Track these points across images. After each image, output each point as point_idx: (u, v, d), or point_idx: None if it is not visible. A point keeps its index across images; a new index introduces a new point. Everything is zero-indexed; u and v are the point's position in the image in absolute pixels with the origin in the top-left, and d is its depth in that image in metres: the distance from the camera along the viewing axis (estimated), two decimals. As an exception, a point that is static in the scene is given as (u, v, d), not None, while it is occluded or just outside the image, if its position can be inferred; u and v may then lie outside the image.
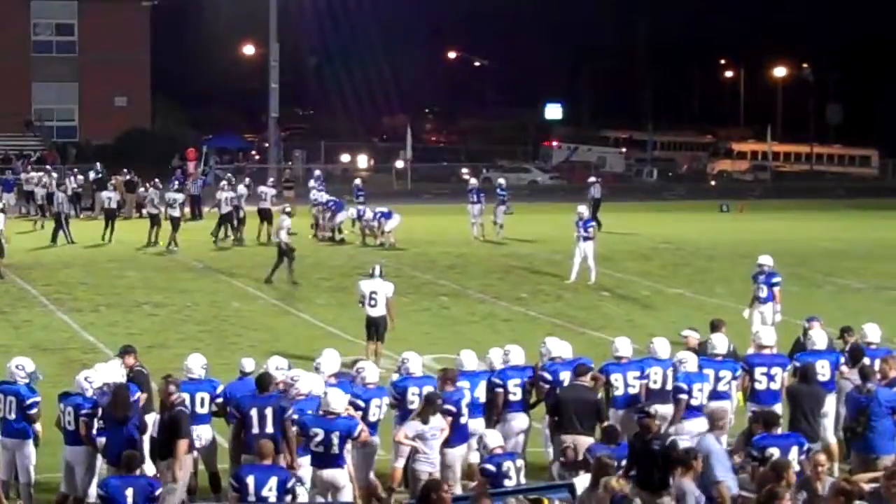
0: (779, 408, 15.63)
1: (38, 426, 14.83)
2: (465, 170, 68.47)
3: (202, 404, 15.04)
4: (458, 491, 14.12)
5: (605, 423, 14.83)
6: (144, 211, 43.92)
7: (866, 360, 16.15)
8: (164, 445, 14.05)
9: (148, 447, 14.28)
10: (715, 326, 17.70)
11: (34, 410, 14.69)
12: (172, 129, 74.02)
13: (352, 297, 25.52)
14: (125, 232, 41.16)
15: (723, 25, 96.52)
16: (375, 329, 22.01)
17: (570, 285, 31.87)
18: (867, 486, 12.13)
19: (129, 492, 12.42)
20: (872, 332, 17.48)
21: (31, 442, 14.70)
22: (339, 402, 13.92)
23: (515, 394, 15.67)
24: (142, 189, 46.14)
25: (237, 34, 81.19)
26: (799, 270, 33.92)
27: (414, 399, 15.15)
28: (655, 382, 16.04)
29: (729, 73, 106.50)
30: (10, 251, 33.77)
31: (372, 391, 14.93)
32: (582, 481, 12.70)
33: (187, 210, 43.78)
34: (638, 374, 16.07)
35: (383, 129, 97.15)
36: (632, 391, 16.00)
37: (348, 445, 13.92)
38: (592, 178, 49.84)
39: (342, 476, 13.86)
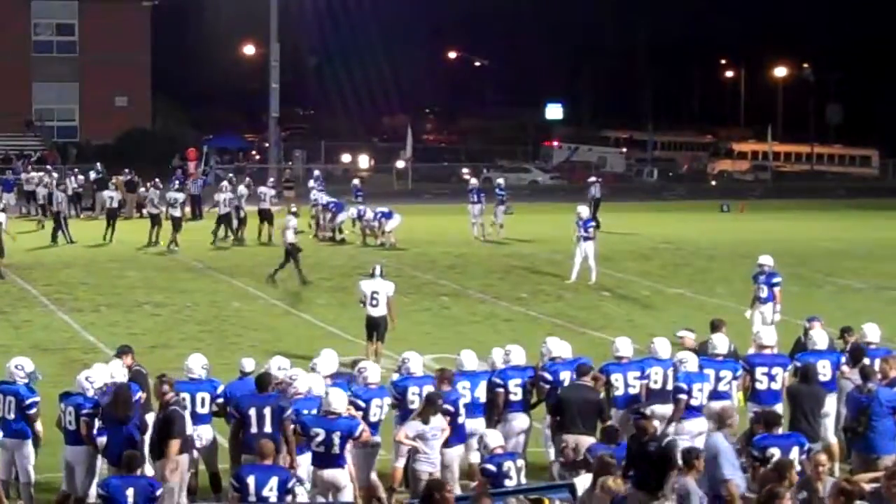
0: (779, 408, 15.63)
1: (38, 426, 14.83)
2: (465, 170, 68.46)
3: (203, 404, 15.04)
4: (458, 491, 14.11)
5: (606, 423, 14.83)
6: (145, 211, 43.94)
7: (867, 360, 16.15)
8: (157, 445, 14.04)
9: (148, 447, 14.28)
10: (715, 326, 17.71)
11: (33, 410, 14.70)
12: (173, 129, 74.01)
13: (352, 298, 25.52)
14: (126, 232, 41.16)
15: (723, 25, 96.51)
16: (376, 329, 22.01)
17: (570, 285, 31.88)
18: (868, 486, 12.14)
19: (130, 492, 12.42)
20: (872, 332, 17.49)
21: (30, 442, 14.70)
22: (339, 402, 13.93)
23: (516, 394, 15.68)
24: (142, 189, 46.16)
25: (238, 34, 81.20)
26: (799, 270, 33.92)
27: (414, 399, 15.15)
28: (656, 382, 16.06)
29: (729, 73, 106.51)
30: (10, 251, 33.75)
31: (373, 391, 14.93)
32: (583, 481, 12.71)
33: (188, 210, 43.79)
34: (638, 374, 16.08)
35: (383, 129, 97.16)
36: (632, 391, 16.01)
37: (349, 445, 13.93)
38: (593, 178, 49.88)
39: (343, 476, 13.87)
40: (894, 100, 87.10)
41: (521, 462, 13.81)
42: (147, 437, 14.30)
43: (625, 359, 16.23)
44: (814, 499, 12.22)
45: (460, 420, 15.02)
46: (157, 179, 44.43)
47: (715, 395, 15.92)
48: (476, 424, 15.41)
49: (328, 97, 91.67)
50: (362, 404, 14.67)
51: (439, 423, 14.58)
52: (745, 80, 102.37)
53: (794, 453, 13.28)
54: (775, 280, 23.64)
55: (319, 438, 13.76)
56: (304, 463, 14.17)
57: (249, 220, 40.84)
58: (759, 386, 16.19)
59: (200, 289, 31.43)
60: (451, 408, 14.88)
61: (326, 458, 13.80)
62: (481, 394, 15.65)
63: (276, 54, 64.22)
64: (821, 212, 55.25)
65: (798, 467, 12.85)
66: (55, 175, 48.15)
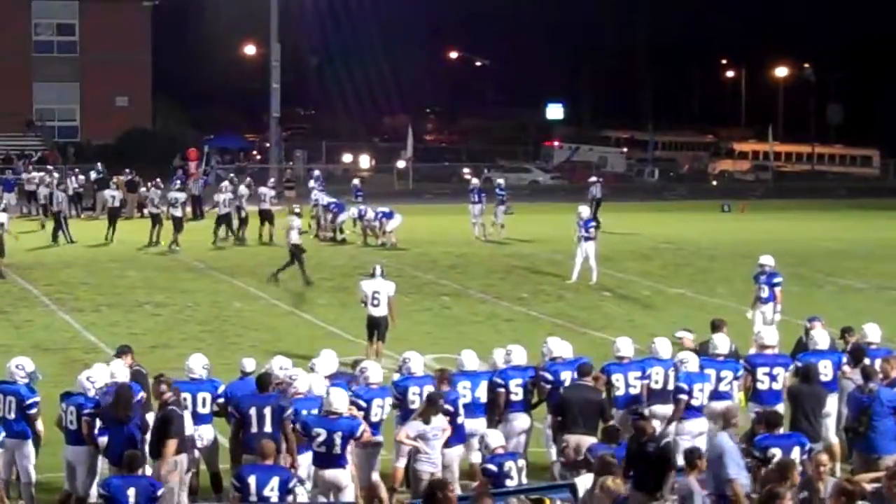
0: (781, 408, 15.63)
1: (40, 426, 14.83)
2: (466, 170, 68.43)
3: (204, 404, 15.05)
4: (458, 491, 14.11)
5: (608, 423, 14.83)
6: (146, 211, 43.95)
7: (867, 360, 16.15)
8: (154, 445, 14.05)
9: (148, 447, 14.29)
10: (716, 326, 17.71)
11: (34, 410, 14.70)
12: (173, 129, 74.01)
13: (353, 298, 25.52)
14: (126, 232, 41.16)
15: (723, 25, 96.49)
16: (377, 328, 22.02)
17: (571, 285, 31.88)
18: (869, 486, 12.14)
19: (131, 492, 12.42)
20: (872, 332, 17.48)
21: (30, 442, 14.70)
22: (341, 402, 13.93)
23: (517, 394, 15.68)
24: (143, 189, 46.15)
25: (238, 34, 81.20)
26: (800, 270, 33.92)
27: (414, 399, 15.16)
28: (657, 382, 16.06)
29: (730, 73, 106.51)
30: (10, 251, 33.79)
31: (374, 391, 14.94)
32: (583, 481, 12.71)
33: (189, 210, 43.79)
34: (639, 374, 16.08)
35: (384, 129, 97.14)
36: (633, 391, 16.00)
37: (350, 446, 13.93)
38: (593, 178, 49.87)
39: (344, 476, 13.88)
40: (895, 100, 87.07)
41: (522, 462, 13.82)
42: (148, 437, 14.31)
43: (626, 359, 16.23)
44: (814, 499, 12.21)
45: (459, 420, 15.03)
46: (157, 179, 44.42)
47: (716, 395, 15.93)
48: (477, 424, 15.41)
49: (329, 97, 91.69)
50: (363, 404, 14.68)
51: (440, 423, 14.59)
52: (746, 79, 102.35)
53: (795, 453, 13.28)
54: (776, 280, 23.62)
55: (321, 439, 13.76)
56: (305, 463, 14.18)
57: (250, 220, 40.82)
58: (760, 386, 16.19)
59: (201, 289, 31.43)
60: (450, 408, 14.89)
61: (328, 459, 13.80)
62: (482, 394, 15.65)
63: (277, 54, 64.22)
64: (822, 212, 55.24)
65: (799, 468, 12.85)
66: (56, 175, 48.16)
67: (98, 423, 14.23)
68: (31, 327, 26.34)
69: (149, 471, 13.80)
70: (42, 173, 49.45)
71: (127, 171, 50.21)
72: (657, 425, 15.68)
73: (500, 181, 45.34)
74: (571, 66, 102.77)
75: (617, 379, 15.98)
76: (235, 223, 40.67)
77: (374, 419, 14.75)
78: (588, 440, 14.69)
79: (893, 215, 52.47)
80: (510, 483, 13.44)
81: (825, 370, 16.34)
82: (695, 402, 15.54)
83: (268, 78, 65.47)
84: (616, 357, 16.31)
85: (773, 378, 16.21)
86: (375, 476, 14.81)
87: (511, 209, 45.76)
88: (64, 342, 24.76)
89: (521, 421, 15.70)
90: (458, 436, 14.99)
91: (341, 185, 53.98)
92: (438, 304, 29.45)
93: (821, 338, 16.90)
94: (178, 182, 45.07)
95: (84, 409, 14.28)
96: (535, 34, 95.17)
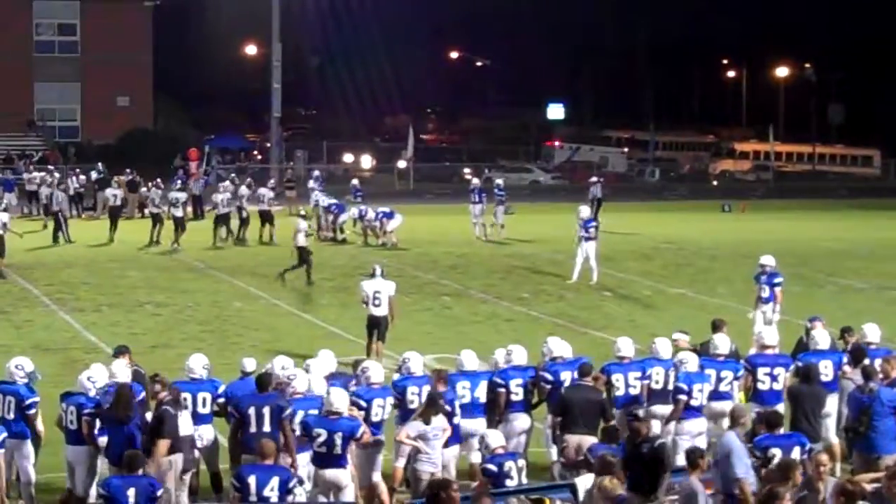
0: (781, 408, 15.63)
1: (40, 426, 14.84)
2: (467, 170, 68.43)
3: (204, 404, 15.05)
4: (456, 491, 14.11)
5: (609, 423, 14.83)
6: (146, 211, 43.97)
7: (867, 360, 16.15)
8: (146, 444, 14.05)
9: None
10: (716, 326, 17.71)
11: (33, 411, 14.70)
12: (174, 129, 74.02)
13: (354, 298, 25.53)
14: (127, 232, 41.17)
15: (724, 25, 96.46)
16: (377, 328, 22.04)
17: (571, 285, 31.87)
18: (869, 486, 12.13)
19: (131, 492, 12.41)
20: (872, 332, 17.48)
21: (29, 442, 14.70)
22: (341, 402, 13.94)
23: (517, 394, 15.67)
24: (144, 189, 46.17)
25: (239, 34, 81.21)
26: (801, 270, 33.91)
27: (413, 399, 15.17)
28: (657, 383, 16.05)
29: (731, 73, 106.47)
30: (10, 251, 33.81)
31: (375, 391, 14.94)
32: (584, 481, 12.71)
33: (189, 210, 43.80)
34: (639, 374, 16.07)
35: (385, 130, 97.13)
36: (633, 391, 16.00)
37: (351, 446, 13.93)
38: (594, 178, 49.86)
39: (344, 476, 13.88)
40: (895, 100, 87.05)
41: (522, 462, 13.81)
42: (147, 437, 14.34)
43: (626, 359, 16.22)
44: (809, 498, 12.18)
45: (456, 420, 15.04)
46: (158, 179, 44.46)
47: (716, 395, 15.94)
48: (476, 425, 15.41)
49: (330, 97, 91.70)
50: (364, 404, 14.68)
51: (440, 423, 14.59)
52: (747, 79, 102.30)
53: (796, 453, 13.28)
54: (777, 280, 23.62)
55: (321, 439, 13.76)
56: (305, 463, 14.17)
57: (251, 220, 40.81)
58: (761, 386, 16.18)
59: (202, 289, 31.44)
60: (448, 407, 14.89)
61: (328, 459, 13.80)
62: (481, 394, 15.64)
63: (278, 54, 64.24)
64: (822, 212, 55.24)
65: (800, 468, 12.85)
66: (56, 175, 48.19)
67: (98, 422, 14.23)
68: (32, 327, 26.34)
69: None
70: (43, 173, 49.46)
71: (128, 170, 50.22)
72: (657, 425, 15.72)
73: (500, 181, 45.35)
74: (572, 66, 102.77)
75: (617, 379, 15.97)
76: (236, 223, 40.67)
77: (374, 419, 14.75)
78: (589, 440, 14.68)
79: (894, 215, 52.45)
80: (510, 483, 13.44)
81: (826, 370, 16.34)
82: (694, 403, 15.54)
83: (269, 78, 65.49)
84: (617, 357, 16.30)
85: (773, 378, 16.21)
86: (377, 476, 14.81)
87: (512, 209, 45.73)
88: (64, 342, 24.76)
89: (521, 421, 15.70)
90: (455, 436, 14.99)
91: (342, 184, 53.94)
92: (439, 304, 29.45)
93: (821, 338, 16.89)
94: (179, 182, 45.14)
95: (84, 409, 14.28)
96: (535, 34, 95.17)
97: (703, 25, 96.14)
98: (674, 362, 16.09)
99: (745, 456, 13.02)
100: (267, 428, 14.15)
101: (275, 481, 12.63)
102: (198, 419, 14.81)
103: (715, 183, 75.35)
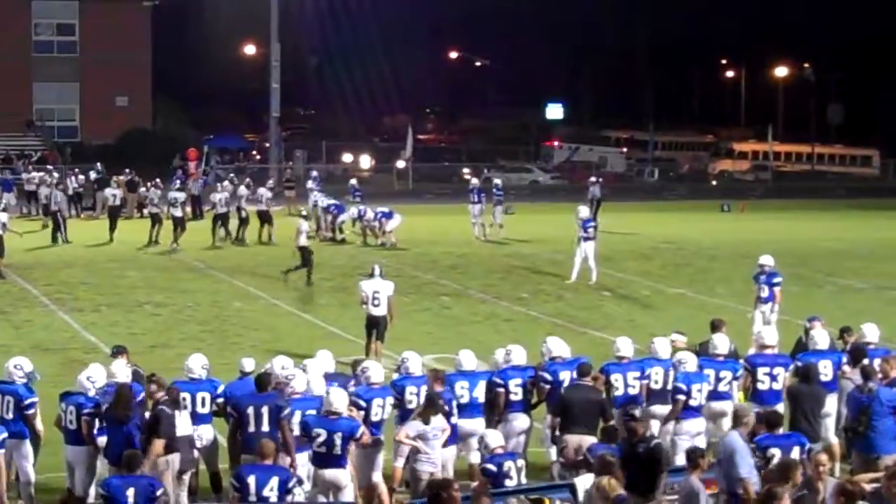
0: (781, 408, 15.63)
1: (39, 426, 14.83)
2: (466, 170, 68.46)
3: (203, 404, 15.05)
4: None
5: (608, 423, 14.83)
6: (146, 211, 43.97)
7: (866, 360, 16.15)
8: (142, 444, 14.05)
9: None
10: (715, 326, 17.71)
11: (32, 411, 14.69)
12: (173, 129, 74.00)
13: (353, 298, 25.52)
14: (126, 232, 41.17)
15: (723, 25, 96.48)
16: (375, 328, 22.05)
17: (570, 285, 31.87)
18: (868, 486, 12.13)
19: (131, 492, 12.40)
20: (871, 332, 17.48)
21: (28, 441, 14.69)
22: (340, 402, 13.94)
23: (517, 394, 15.67)
24: (143, 189, 46.17)
25: (238, 34, 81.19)
26: (800, 270, 33.91)
27: (412, 399, 15.17)
28: (657, 383, 16.05)
29: (730, 73, 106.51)
30: (10, 251, 33.80)
31: (375, 391, 14.93)
32: (583, 481, 12.71)
33: (189, 210, 43.79)
34: (638, 374, 16.06)
35: (384, 129, 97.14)
36: (632, 391, 15.99)
37: (351, 446, 13.93)
38: (593, 178, 49.85)
39: (344, 476, 13.88)
40: (895, 100, 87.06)
41: (521, 462, 13.82)
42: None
43: (625, 359, 16.21)
44: (808, 498, 12.17)
45: (453, 420, 15.05)
46: (157, 179, 44.47)
47: (715, 395, 15.94)
48: (475, 425, 15.41)
49: (329, 97, 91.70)
50: (363, 404, 14.68)
51: (440, 423, 14.59)
52: (746, 79, 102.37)
53: (795, 453, 13.28)
54: (776, 280, 23.62)
55: (321, 439, 13.76)
56: (304, 462, 14.16)
57: (250, 220, 40.81)
58: (760, 386, 16.17)
59: (201, 289, 31.44)
60: (445, 407, 14.90)
61: (328, 459, 13.80)
62: (480, 394, 15.63)
63: (277, 54, 64.25)
64: (821, 212, 55.24)
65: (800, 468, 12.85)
66: (56, 175, 48.19)
67: (97, 422, 14.23)
68: (31, 327, 26.34)
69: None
70: (42, 173, 49.45)
71: (127, 170, 50.21)
72: (657, 426, 15.73)
73: (498, 181, 45.37)
74: (571, 66, 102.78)
75: (616, 379, 15.97)
76: (235, 223, 40.67)
77: (374, 419, 14.75)
78: (589, 440, 14.68)
79: (893, 215, 52.46)
80: (510, 483, 13.44)
81: (825, 370, 16.34)
82: (693, 403, 15.54)
83: (268, 78, 65.51)
84: (616, 357, 16.30)
85: (773, 378, 16.20)
86: (378, 476, 14.80)
87: (512, 209, 45.69)
88: (63, 342, 24.76)
89: (520, 421, 15.69)
90: (452, 436, 14.99)
91: (341, 184, 53.96)
92: (438, 304, 29.45)
93: (821, 338, 16.89)
94: (178, 182, 45.14)
95: (84, 409, 14.28)
96: (535, 34, 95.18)
97: (702, 25, 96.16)
98: (672, 362, 16.09)
99: (749, 456, 13.01)
100: (265, 428, 14.15)
101: (274, 481, 12.62)
102: (197, 419, 14.81)
103: (714, 183, 75.37)
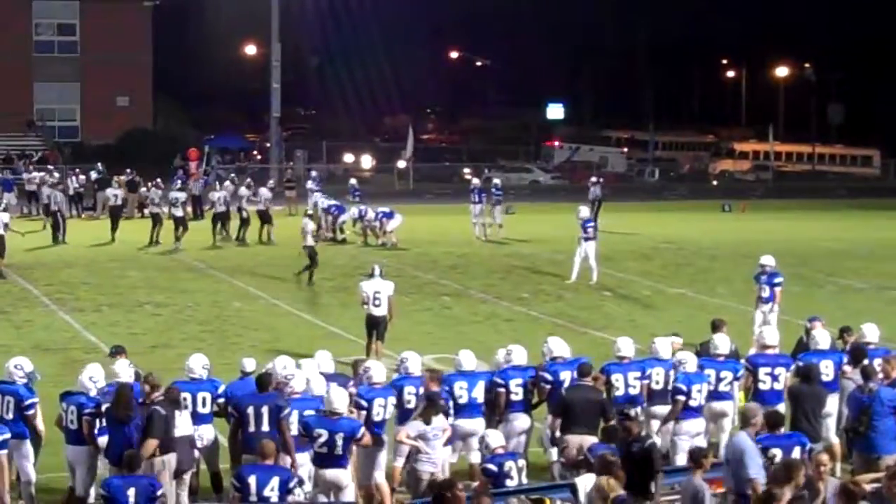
0: (782, 408, 15.63)
1: (40, 426, 14.82)
2: (466, 170, 68.45)
3: (203, 404, 15.04)
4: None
5: (608, 423, 14.83)
6: (146, 211, 43.97)
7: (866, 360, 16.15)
8: (137, 445, 14.05)
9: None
10: (716, 326, 17.72)
11: (32, 411, 14.69)
12: (174, 129, 73.99)
13: (353, 298, 25.52)
14: (127, 232, 41.17)
15: (723, 25, 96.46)
16: (375, 328, 22.07)
17: (570, 285, 31.87)
18: (869, 486, 12.13)
19: (131, 492, 12.41)
20: (871, 332, 17.48)
21: (28, 441, 14.69)
22: (341, 401, 13.93)
23: (517, 394, 15.67)
24: (143, 189, 46.17)
25: (239, 34, 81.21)
26: (800, 270, 33.91)
27: (410, 398, 15.18)
28: (658, 383, 16.05)
29: (730, 73, 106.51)
30: (10, 251, 33.80)
31: (376, 391, 14.93)
32: (584, 481, 12.71)
33: (189, 210, 43.79)
34: (639, 374, 16.06)
35: (385, 130, 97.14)
36: (632, 391, 15.99)
37: (352, 446, 13.93)
38: (594, 179, 49.86)
39: (345, 476, 13.88)
40: (895, 100, 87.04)
41: (522, 462, 13.82)
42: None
43: (626, 359, 16.21)
44: (806, 498, 12.17)
45: (450, 420, 15.04)
46: (158, 179, 44.46)
47: (715, 395, 15.94)
48: (475, 425, 15.41)
49: (329, 97, 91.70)
50: (364, 404, 14.68)
51: (441, 423, 14.60)
52: (747, 79, 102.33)
53: (796, 453, 13.28)
54: (777, 280, 23.63)
55: (322, 439, 13.76)
56: (305, 462, 14.16)
57: (251, 220, 40.81)
58: (762, 386, 16.16)
59: (202, 289, 31.44)
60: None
61: (329, 459, 13.80)
62: (479, 394, 15.62)
63: (278, 54, 64.24)
64: (822, 212, 55.23)
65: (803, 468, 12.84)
66: (56, 175, 48.17)
67: (98, 422, 14.23)
68: (32, 327, 26.34)
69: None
70: (43, 173, 49.45)
71: (127, 170, 50.21)
72: (657, 426, 15.73)
73: (497, 181, 45.37)
74: (572, 66, 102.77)
75: (616, 379, 15.97)
76: (236, 224, 40.68)
77: (376, 419, 14.75)
78: (589, 440, 14.68)
79: (894, 215, 52.45)
80: (510, 483, 13.45)
81: (826, 370, 16.34)
82: (692, 403, 15.54)
83: (268, 78, 65.51)
84: (617, 357, 16.30)
85: (774, 378, 16.20)
86: (381, 477, 14.79)
87: (513, 209, 45.64)
88: (64, 342, 24.76)
89: (521, 421, 15.69)
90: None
91: (342, 185, 53.95)
92: (439, 304, 29.45)
93: (822, 338, 16.90)
94: (179, 182, 45.14)
95: (85, 409, 14.28)
96: (535, 34, 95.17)
97: (703, 25, 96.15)
98: (673, 363, 16.09)
99: (758, 456, 13.00)
100: (265, 428, 14.15)
101: (275, 481, 12.63)
102: (197, 419, 14.81)
103: (715, 183, 75.36)
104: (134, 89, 71.85)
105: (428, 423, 14.50)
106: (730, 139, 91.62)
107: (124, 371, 15.14)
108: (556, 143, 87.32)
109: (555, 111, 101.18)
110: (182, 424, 14.30)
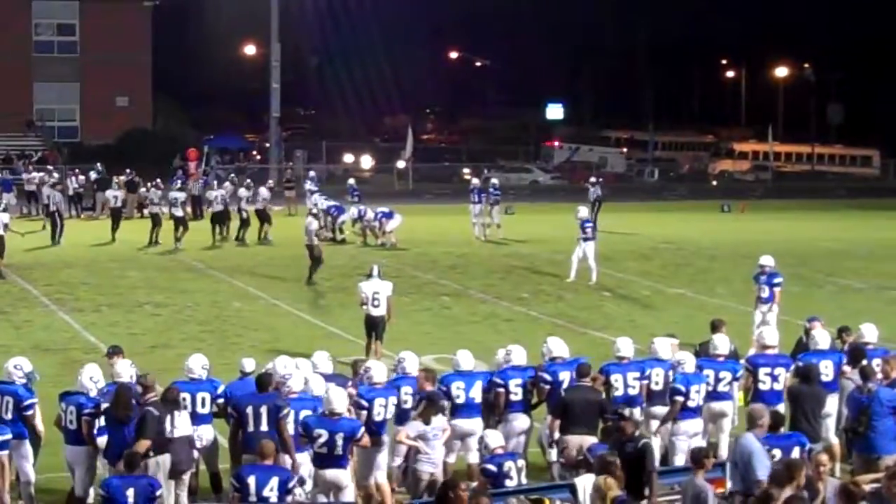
0: (782, 408, 15.63)
1: (40, 426, 14.82)
2: (466, 170, 68.47)
3: (203, 404, 15.05)
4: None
5: (607, 423, 14.83)
6: (146, 211, 43.97)
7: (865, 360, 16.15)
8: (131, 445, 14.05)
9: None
10: (715, 327, 17.72)
11: (31, 412, 14.69)
12: (174, 129, 73.97)
13: (353, 298, 25.51)
14: (126, 232, 41.17)
15: (723, 25, 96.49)
16: (374, 328, 22.08)
17: (570, 285, 31.87)
18: (868, 487, 12.14)
19: (130, 492, 12.42)
20: (870, 332, 17.47)
21: (27, 442, 14.69)
22: (340, 402, 13.93)
23: (517, 394, 15.67)
24: (143, 189, 46.17)
25: (238, 34, 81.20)
26: (800, 270, 33.91)
27: (407, 399, 15.19)
28: (657, 384, 16.04)
29: (730, 73, 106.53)
30: (10, 251, 33.79)
31: (377, 391, 14.93)
32: (584, 481, 12.71)
33: (189, 209, 43.78)
34: (638, 374, 16.06)
35: (385, 130, 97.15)
36: (632, 392, 15.98)
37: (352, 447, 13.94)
38: (594, 179, 49.85)
39: (345, 476, 13.88)
40: (895, 100, 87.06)
41: (521, 462, 13.83)
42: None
43: (626, 359, 16.21)
44: (806, 498, 12.17)
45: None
46: (157, 179, 44.45)
47: (715, 395, 15.94)
48: (473, 425, 15.41)
49: (329, 97, 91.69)
50: (365, 404, 14.68)
51: (440, 423, 14.61)
52: (746, 80, 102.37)
53: (795, 453, 13.28)
54: (776, 280, 23.63)
55: (322, 440, 13.75)
56: (305, 462, 14.17)
57: (251, 220, 40.81)
58: (761, 386, 16.16)
59: (201, 289, 31.44)
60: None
61: (329, 459, 13.80)
62: (476, 394, 15.62)
63: (277, 54, 64.24)
64: (821, 212, 55.24)
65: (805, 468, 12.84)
66: (55, 175, 48.16)
67: (97, 422, 14.23)
68: (31, 327, 26.33)
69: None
70: (42, 174, 49.44)
71: (127, 171, 50.19)
72: (655, 426, 15.73)
73: (495, 181, 45.38)
74: (571, 66, 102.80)
75: (615, 379, 15.96)
76: (236, 224, 40.69)
77: (377, 419, 14.74)
78: (589, 440, 14.68)
79: (893, 215, 52.46)
80: (510, 483, 13.45)
81: (826, 370, 16.34)
82: (691, 404, 15.53)
83: (268, 78, 65.51)
84: (616, 357, 16.29)
85: (774, 378, 16.19)
86: (382, 477, 14.78)
87: (512, 209, 45.62)
88: (64, 342, 24.76)
89: (520, 421, 15.69)
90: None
91: (342, 185, 53.95)
92: (438, 304, 29.45)
93: (822, 338, 16.90)
94: (178, 182, 45.13)
95: (84, 409, 14.28)
96: (535, 34, 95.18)
97: (702, 25, 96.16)
98: (671, 363, 16.09)
99: (766, 457, 13.00)
100: (264, 428, 14.15)
101: (274, 481, 12.63)
102: (197, 419, 14.81)
103: (714, 183, 75.36)
104: (133, 89, 71.83)
105: (428, 423, 14.50)
106: (729, 139, 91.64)
107: (126, 371, 15.14)
108: (556, 144, 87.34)
109: (554, 111, 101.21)
110: (181, 425, 14.30)
